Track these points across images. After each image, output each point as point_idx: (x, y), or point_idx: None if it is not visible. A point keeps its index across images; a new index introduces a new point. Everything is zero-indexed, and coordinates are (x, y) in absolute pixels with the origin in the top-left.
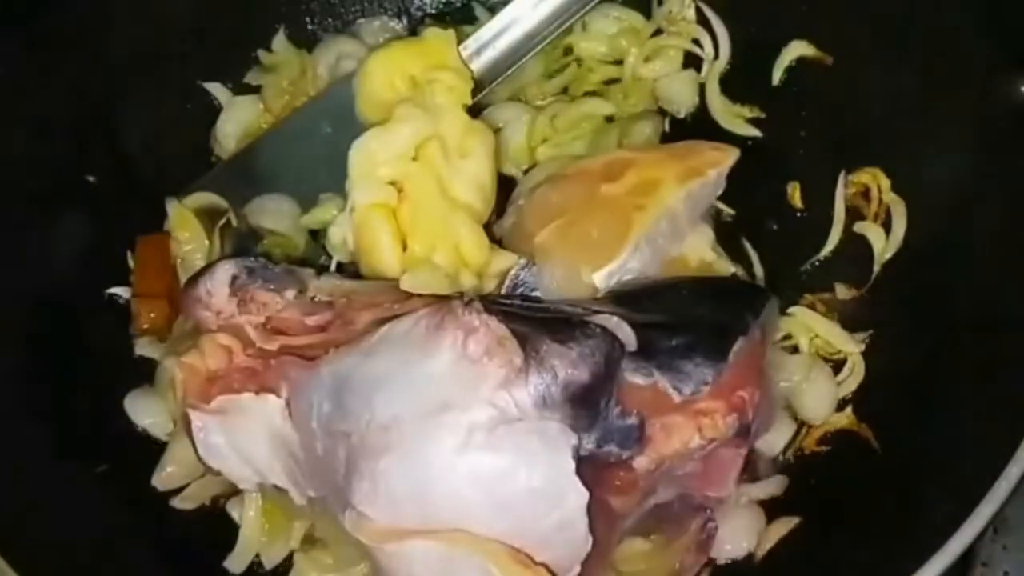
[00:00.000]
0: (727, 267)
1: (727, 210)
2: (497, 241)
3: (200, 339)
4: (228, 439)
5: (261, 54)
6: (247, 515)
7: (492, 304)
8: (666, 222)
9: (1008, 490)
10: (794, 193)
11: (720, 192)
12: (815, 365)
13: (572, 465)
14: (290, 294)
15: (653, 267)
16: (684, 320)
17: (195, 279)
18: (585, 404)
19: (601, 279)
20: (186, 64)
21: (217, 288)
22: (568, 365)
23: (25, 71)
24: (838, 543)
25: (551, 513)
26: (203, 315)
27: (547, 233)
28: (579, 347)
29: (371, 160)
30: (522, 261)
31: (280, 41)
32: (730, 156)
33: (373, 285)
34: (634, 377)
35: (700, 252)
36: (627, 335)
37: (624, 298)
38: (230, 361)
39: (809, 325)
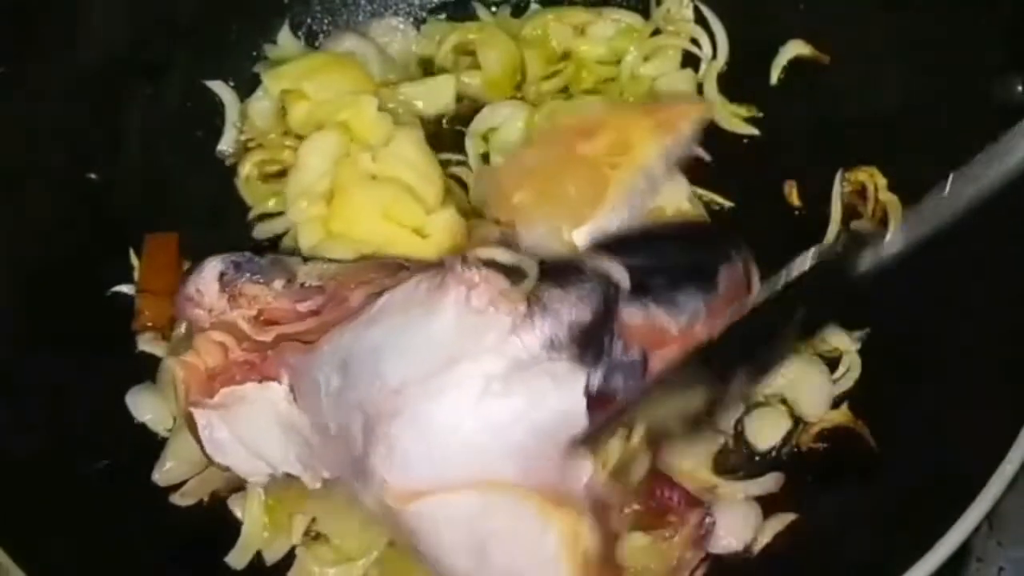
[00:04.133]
0: (703, 216)
1: (725, 204)
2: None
3: (195, 338)
4: (234, 432)
5: (267, 47)
6: (249, 511)
7: (489, 260)
8: (642, 178)
9: (1003, 486)
10: (792, 191)
11: (695, 142)
12: (811, 362)
13: (584, 401)
14: (279, 284)
15: (631, 222)
16: (670, 258)
17: (184, 280)
18: (590, 342)
19: (581, 237)
20: (188, 62)
21: (207, 286)
22: (570, 306)
23: (26, 68)
24: (834, 539)
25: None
26: (196, 314)
27: (525, 193)
28: (577, 289)
29: (300, 184)
30: (497, 232)
31: (285, 35)
32: (702, 108)
33: (362, 264)
34: (632, 314)
35: (676, 202)
36: (621, 274)
37: (609, 246)
38: (226, 357)
39: None
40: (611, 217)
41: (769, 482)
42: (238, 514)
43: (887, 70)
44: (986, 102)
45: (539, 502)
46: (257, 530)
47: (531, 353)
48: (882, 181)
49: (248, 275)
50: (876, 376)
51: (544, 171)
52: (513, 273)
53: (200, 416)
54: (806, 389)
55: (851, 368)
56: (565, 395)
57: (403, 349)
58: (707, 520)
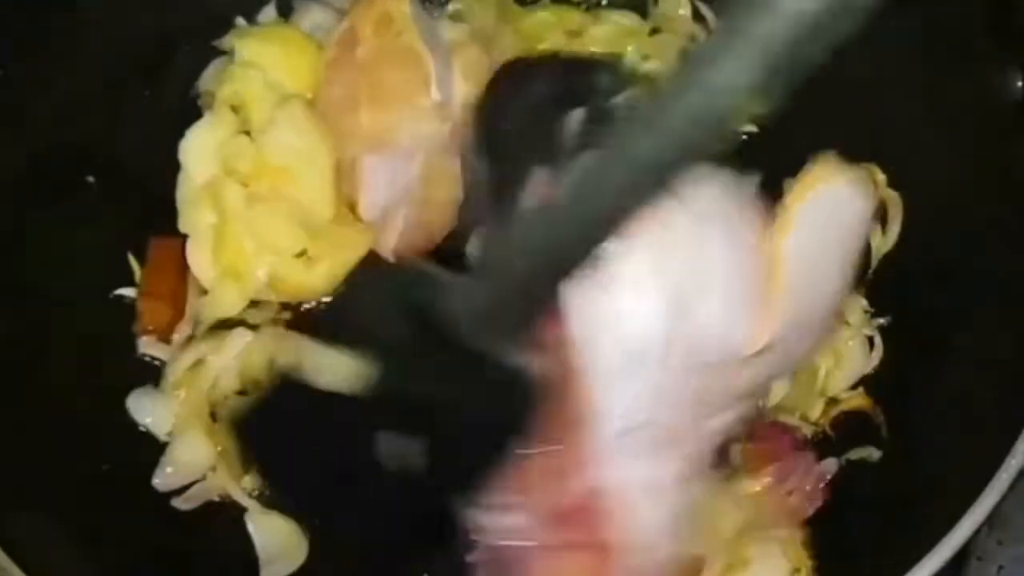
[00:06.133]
0: None
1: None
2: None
3: None
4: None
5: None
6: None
7: None
8: (422, 22)
9: (1009, 481)
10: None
11: None
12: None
13: None
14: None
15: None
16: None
17: None
18: None
19: (437, 94)
20: (186, 65)
21: None
22: None
23: (23, 72)
24: (837, 538)
25: None
26: None
27: (366, 118)
28: None
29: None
30: None
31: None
32: None
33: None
34: None
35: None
36: None
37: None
38: None
39: None
40: (440, 65)
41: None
42: (251, 529)
43: (887, 66)
44: (985, 98)
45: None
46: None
47: None
48: (881, 177)
49: None
50: (877, 373)
51: (355, 93)
52: None
53: None
54: (846, 360)
55: (875, 350)
56: None
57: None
58: (815, 469)
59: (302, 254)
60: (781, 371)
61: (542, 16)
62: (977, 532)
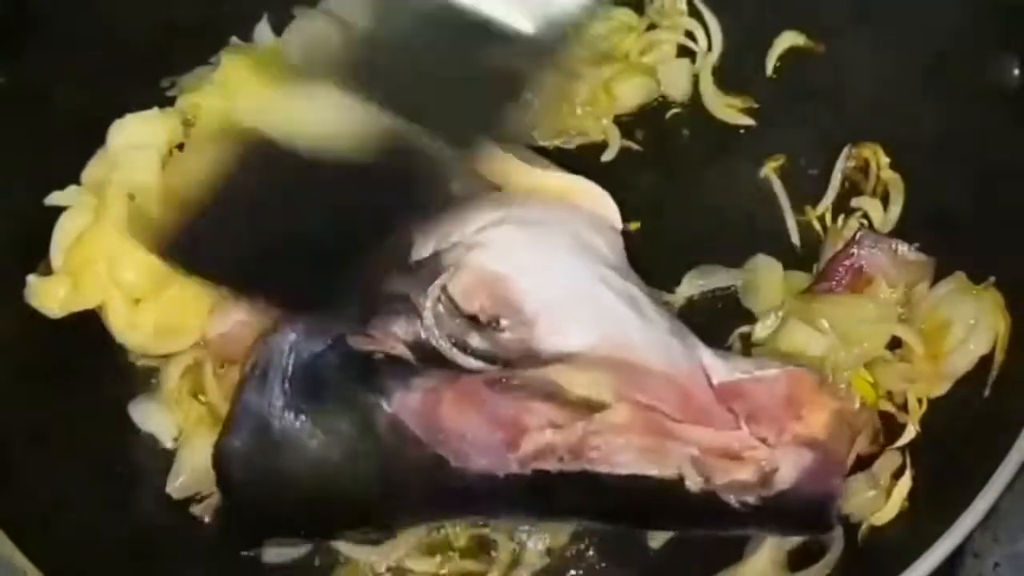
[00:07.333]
0: None
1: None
2: None
3: None
4: None
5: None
6: None
7: None
8: None
9: (1009, 476)
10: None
11: None
12: None
13: None
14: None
15: None
16: None
17: None
18: None
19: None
20: (185, 69)
21: None
22: None
23: (24, 78)
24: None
25: None
26: None
27: None
28: None
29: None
30: None
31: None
32: None
33: None
34: None
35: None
36: None
37: None
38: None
39: None
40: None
41: None
42: None
43: (883, 57)
44: (982, 86)
45: None
46: None
47: None
48: (884, 159)
49: None
50: None
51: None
52: None
53: None
54: None
55: None
56: None
57: None
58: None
59: (137, 302)
60: None
61: None
62: (973, 529)
